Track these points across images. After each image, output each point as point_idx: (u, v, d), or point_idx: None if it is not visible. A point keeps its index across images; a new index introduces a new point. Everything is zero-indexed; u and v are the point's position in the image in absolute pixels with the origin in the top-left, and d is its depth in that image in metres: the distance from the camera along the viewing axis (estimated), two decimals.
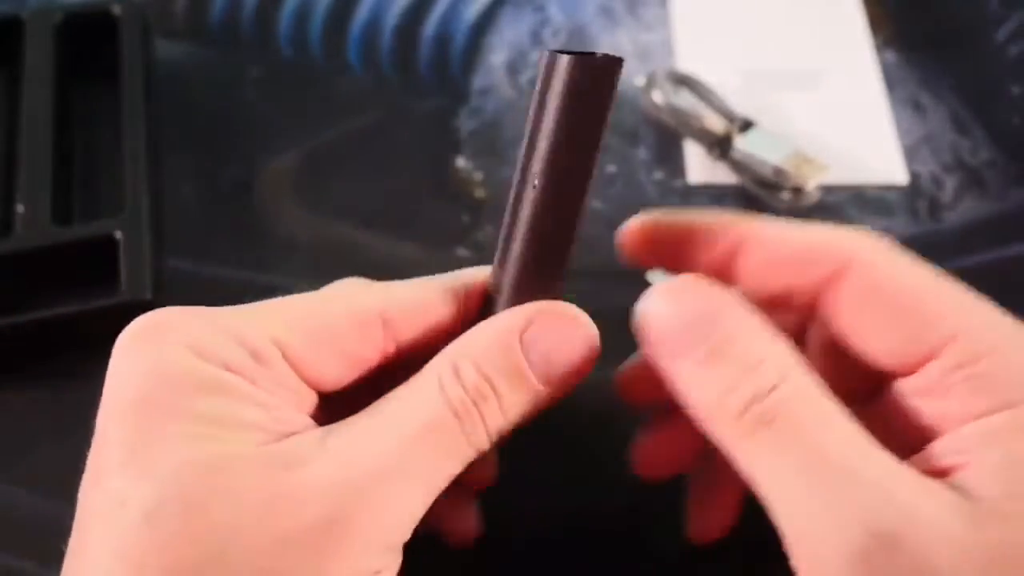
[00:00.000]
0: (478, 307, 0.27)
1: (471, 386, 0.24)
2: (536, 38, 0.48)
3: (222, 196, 0.42)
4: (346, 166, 0.43)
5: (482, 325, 0.25)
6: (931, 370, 0.23)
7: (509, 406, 0.24)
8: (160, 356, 0.23)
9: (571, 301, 0.39)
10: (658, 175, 0.43)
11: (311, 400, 0.25)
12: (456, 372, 0.24)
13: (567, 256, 0.26)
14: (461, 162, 0.43)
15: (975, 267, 0.40)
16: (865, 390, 0.26)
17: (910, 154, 0.43)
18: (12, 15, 0.45)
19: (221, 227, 0.41)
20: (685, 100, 0.44)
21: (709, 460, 0.30)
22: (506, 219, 0.26)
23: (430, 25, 0.48)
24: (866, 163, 0.43)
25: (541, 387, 0.24)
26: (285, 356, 0.24)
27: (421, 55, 0.47)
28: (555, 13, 0.49)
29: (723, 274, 0.25)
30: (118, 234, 0.38)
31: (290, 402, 0.24)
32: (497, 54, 0.47)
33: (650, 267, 0.27)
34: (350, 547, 0.22)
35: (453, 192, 0.42)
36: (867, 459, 0.22)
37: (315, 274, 0.29)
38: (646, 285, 0.26)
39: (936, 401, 0.23)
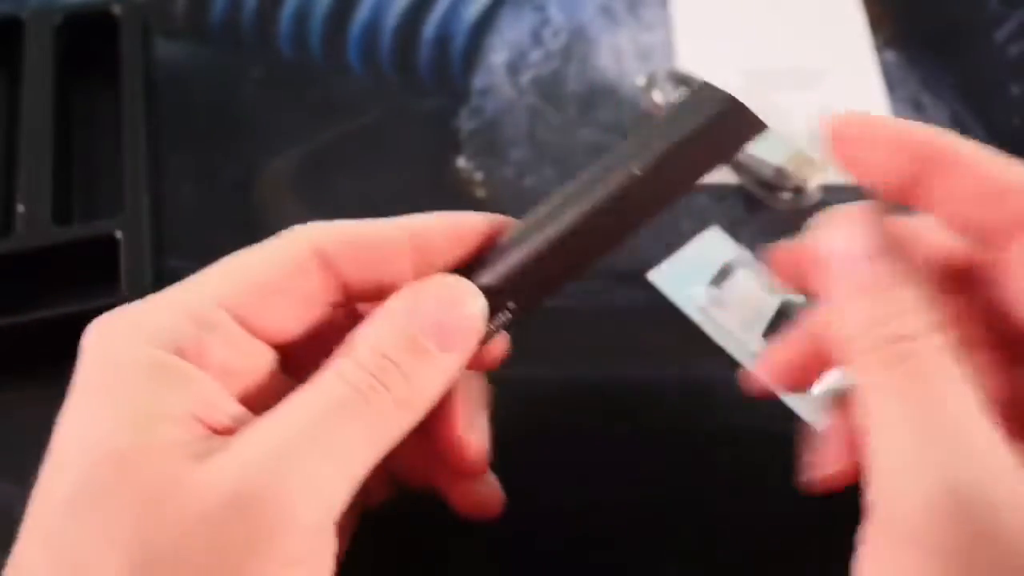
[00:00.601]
0: (446, 252, 0.27)
1: (368, 363, 0.24)
2: (536, 38, 0.48)
3: (222, 196, 0.42)
4: (346, 166, 0.43)
5: (369, 318, 0.26)
6: None
7: (414, 374, 0.25)
8: (109, 347, 0.24)
9: (571, 301, 0.39)
10: None
11: (267, 358, 0.26)
12: (352, 358, 0.24)
13: (601, 252, 0.27)
14: (461, 162, 0.43)
15: None
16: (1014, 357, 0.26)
17: None
18: (12, 15, 0.45)
19: (221, 227, 0.41)
20: None
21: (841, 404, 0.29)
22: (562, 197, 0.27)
23: (430, 25, 0.48)
24: None
25: (441, 353, 0.25)
26: (234, 315, 0.25)
27: (421, 55, 0.47)
28: (555, 13, 0.49)
29: (912, 187, 0.25)
30: (118, 234, 0.38)
31: (241, 368, 0.25)
32: (497, 54, 0.47)
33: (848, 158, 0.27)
34: (259, 531, 0.22)
35: (453, 192, 0.42)
36: (975, 426, 0.22)
37: None
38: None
39: None
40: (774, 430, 0.34)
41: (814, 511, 0.27)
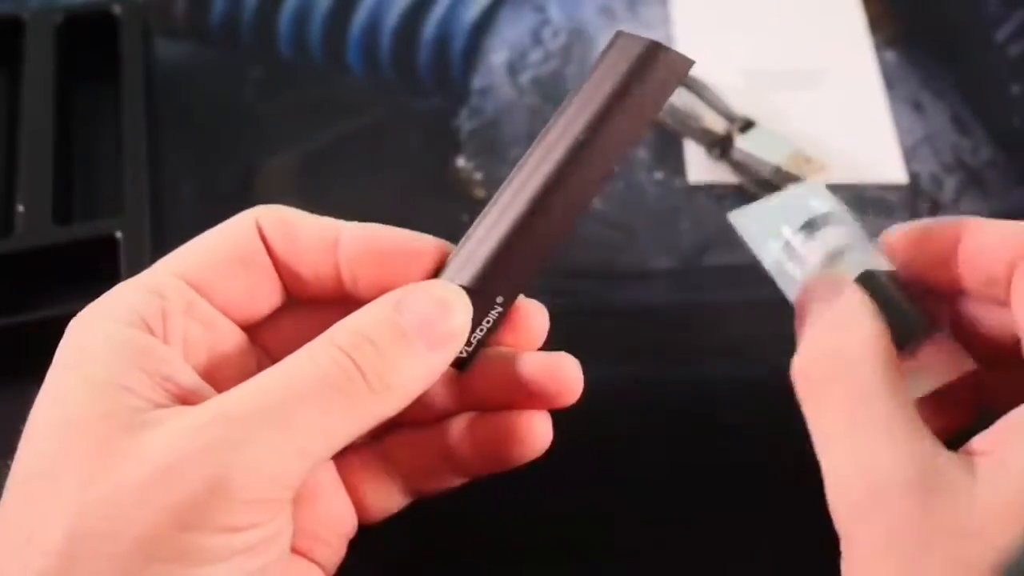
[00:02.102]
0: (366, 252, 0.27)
1: (345, 344, 0.24)
2: (536, 38, 0.48)
3: (222, 196, 0.42)
4: (346, 166, 0.43)
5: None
6: None
7: (395, 362, 0.25)
8: (80, 328, 0.25)
9: (571, 301, 0.39)
10: (658, 175, 0.43)
11: (233, 333, 0.27)
12: (328, 338, 0.25)
13: (566, 231, 0.27)
14: (461, 162, 0.43)
15: None
16: None
17: (910, 154, 0.43)
18: (12, 15, 0.45)
19: None
20: (685, 100, 0.44)
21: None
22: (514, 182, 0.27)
23: (430, 26, 0.48)
24: (866, 163, 0.43)
25: (423, 347, 0.25)
26: (192, 285, 0.26)
27: (421, 56, 0.47)
28: (555, 13, 0.49)
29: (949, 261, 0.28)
30: (118, 234, 0.38)
31: (204, 335, 0.26)
32: (497, 54, 0.47)
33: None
34: (190, 500, 0.22)
35: (453, 192, 0.42)
36: None
37: None
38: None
39: None
40: (784, 428, 0.34)
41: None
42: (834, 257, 0.31)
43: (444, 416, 0.29)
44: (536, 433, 0.28)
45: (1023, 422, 0.24)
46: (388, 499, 0.30)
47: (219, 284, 0.27)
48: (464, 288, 0.26)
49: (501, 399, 0.28)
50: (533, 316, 0.28)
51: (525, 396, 0.28)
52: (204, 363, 0.26)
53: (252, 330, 0.28)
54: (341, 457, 0.29)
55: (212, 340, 0.26)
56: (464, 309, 0.26)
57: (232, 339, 0.27)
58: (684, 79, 0.27)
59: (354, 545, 0.29)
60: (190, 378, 0.25)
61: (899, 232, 0.29)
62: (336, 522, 0.29)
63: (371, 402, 0.24)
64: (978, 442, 0.25)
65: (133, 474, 0.22)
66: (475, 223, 0.27)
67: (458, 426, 0.29)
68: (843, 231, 0.31)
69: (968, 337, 0.29)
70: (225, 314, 0.27)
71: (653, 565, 0.32)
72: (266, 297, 0.28)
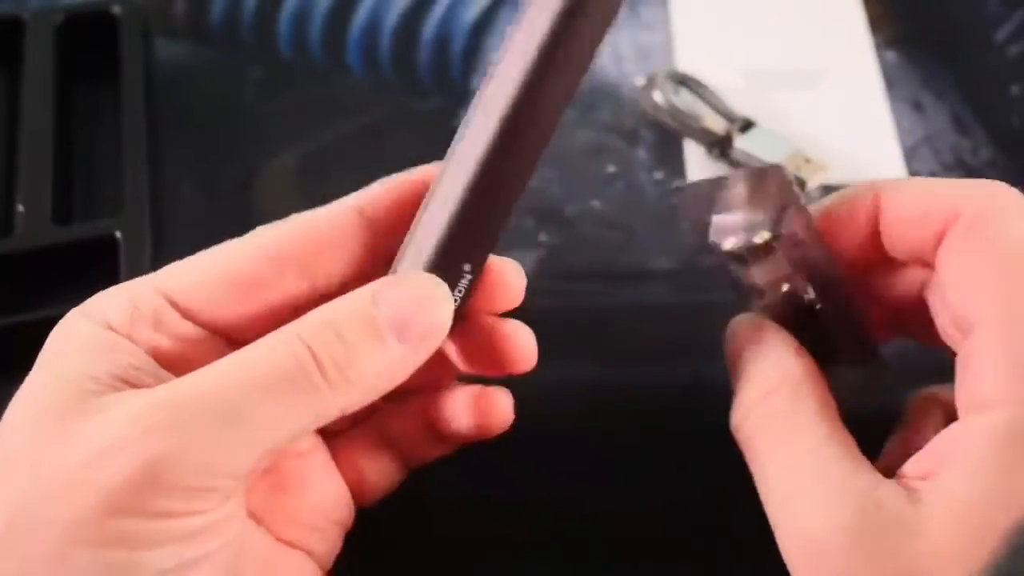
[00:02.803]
0: (395, 223, 0.27)
1: (309, 336, 0.24)
2: None
3: (222, 196, 0.42)
4: (346, 166, 0.43)
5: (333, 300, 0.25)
6: (968, 342, 0.24)
7: (361, 357, 0.24)
8: (59, 330, 0.25)
9: (571, 301, 0.39)
10: (658, 175, 0.43)
11: (205, 343, 0.26)
12: (291, 330, 0.24)
13: (520, 188, 0.26)
14: None
15: None
16: None
17: (910, 154, 0.43)
18: (12, 15, 0.45)
19: (221, 227, 0.41)
20: (685, 100, 0.44)
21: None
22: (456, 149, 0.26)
23: (430, 26, 0.48)
24: (866, 163, 0.43)
25: (395, 341, 0.24)
26: (174, 303, 0.26)
27: (421, 56, 0.47)
28: None
29: (873, 237, 0.27)
30: (118, 234, 0.38)
31: (173, 347, 0.25)
32: (497, 54, 0.47)
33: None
34: (126, 484, 0.22)
35: None
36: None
37: None
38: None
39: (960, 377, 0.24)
40: None
41: None
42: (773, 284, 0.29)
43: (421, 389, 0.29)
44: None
45: (957, 444, 0.23)
46: (384, 473, 0.29)
47: (206, 308, 0.26)
48: (427, 266, 0.26)
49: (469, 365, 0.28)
50: (507, 274, 0.28)
51: (486, 362, 0.28)
52: (173, 369, 0.25)
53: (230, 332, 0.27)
54: (337, 437, 0.29)
55: (182, 350, 0.26)
56: (444, 305, 0.25)
57: (205, 350, 0.26)
58: (616, 15, 0.25)
59: (352, 541, 0.29)
60: (155, 370, 0.25)
61: (820, 211, 0.28)
62: (328, 508, 0.28)
63: (328, 395, 0.24)
64: (912, 467, 0.24)
65: (72, 456, 0.22)
66: (429, 193, 0.26)
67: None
68: (775, 258, 0.29)
69: (876, 301, 0.29)
70: (209, 327, 0.26)
71: (651, 563, 0.32)
72: (265, 312, 0.27)
